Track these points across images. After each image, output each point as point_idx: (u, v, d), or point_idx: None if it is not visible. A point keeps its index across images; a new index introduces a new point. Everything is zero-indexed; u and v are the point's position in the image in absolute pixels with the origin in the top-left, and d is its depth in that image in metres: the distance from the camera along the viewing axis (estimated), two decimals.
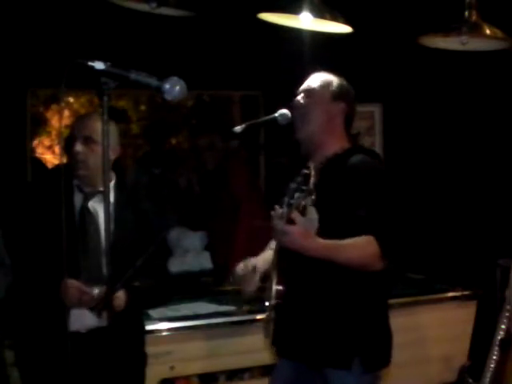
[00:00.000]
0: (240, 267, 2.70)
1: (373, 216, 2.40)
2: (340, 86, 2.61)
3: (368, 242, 2.38)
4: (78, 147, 2.57)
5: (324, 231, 2.40)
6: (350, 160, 2.50)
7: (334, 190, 2.45)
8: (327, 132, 2.57)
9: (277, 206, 2.39)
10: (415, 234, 4.58)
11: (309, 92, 2.61)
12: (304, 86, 2.64)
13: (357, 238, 2.38)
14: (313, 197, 2.23)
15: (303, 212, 2.32)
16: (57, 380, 2.51)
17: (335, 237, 2.39)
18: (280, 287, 2.43)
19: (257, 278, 2.65)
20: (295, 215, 2.31)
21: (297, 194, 2.24)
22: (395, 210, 2.48)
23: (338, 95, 2.59)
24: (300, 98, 2.62)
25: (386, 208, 2.44)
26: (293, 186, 2.27)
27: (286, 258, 2.45)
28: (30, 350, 2.61)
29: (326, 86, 2.60)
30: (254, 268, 2.66)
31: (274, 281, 2.46)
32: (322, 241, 2.38)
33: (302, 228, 2.33)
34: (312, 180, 2.22)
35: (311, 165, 2.54)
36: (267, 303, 2.54)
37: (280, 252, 2.47)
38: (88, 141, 2.57)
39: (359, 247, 2.39)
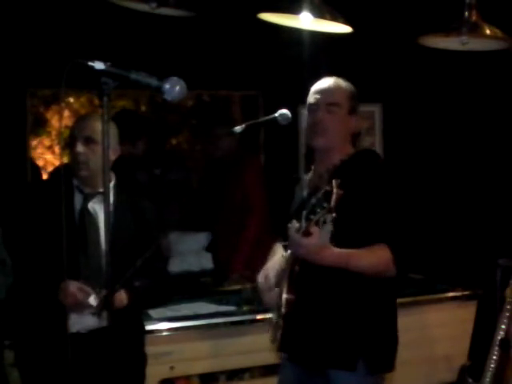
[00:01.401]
0: (262, 280, 2.65)
1: (387, 224, 2.42)
2: (354, 99, 2.60)
3: (382, 250, 2.40)
4: (79, 148, 2.57)
5: (338, 238, 2.39)
6: (363, 167, 2.52)
7: (347, 197, 2.44)
8: (340, 141, 2.58)
9: (294, 220, 2.39)
10: (415, 234, 4.57)
11: (333, 107, 2.56)
12: (323, 96, 2.57)
13: (371, 247, 2.40)
14: (333, 215, 2.22)
15: (322, 226, 2.31)
16: (57, 380, 2.51)
17: (349, 244, 2.40)
18: (290, 296, 2.43)
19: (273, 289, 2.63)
20: (313, 228, 2.30)
21: (318, 210, 2.24)
22: (407, 217, 2.49)
23: (354, 109, 2.60)
24: (322, 113, 2.55)
25: (399, 216, 2.46)
26: (313, 201, 2.27)
27: (298, 267, 2.45)
28: (30, 350, 2.61)
29: (346, 101, 2.58)
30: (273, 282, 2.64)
31: (284, 289, 2.45)
32: (337, 250, 2.37)
33: (319, 240, 2.32)
34: (334, 197, 2.21)
35: (323, 171, 2.53)
36: (276, 311, 2.53)
37: (291, 261, 2.47)
38: (88, 141, 2.57)
39: (373, 256, 2.41)
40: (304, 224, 2.29)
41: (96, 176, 2.57)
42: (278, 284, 2.54)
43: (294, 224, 2.36)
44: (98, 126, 2.46)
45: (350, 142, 2.63)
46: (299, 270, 2.44)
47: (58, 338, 2.41)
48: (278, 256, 2.68)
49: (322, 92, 2.58)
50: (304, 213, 2.29)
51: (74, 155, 2.60)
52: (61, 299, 2.46)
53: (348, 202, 2.36)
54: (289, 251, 2.48)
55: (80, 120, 2.72)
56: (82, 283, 2.48)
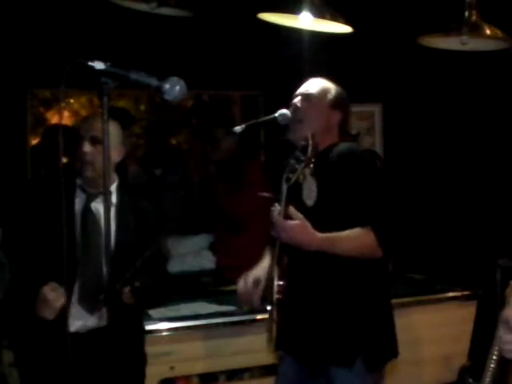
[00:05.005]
0: (241, 285, 2.70)
1: (368, 206, 2.43)
2: (337, 95, 2.63)
3: (364, 232, 2.40)
4: (86, 147, 2.55)
5: (321, 225, 2.41)
6: (344, 153, 2.53)
7: (326, 182, 2.48)
8: (321, 136, 2.58)
9: (276, 204, 2.41)
10: (415, 234, 4.58)
11: (307, 96, 2.61)
12: (302, 89, 2.64)
13: (353, 230, 2.40)
14: (311, 165, 2.26)
15: (303, 182, 2.36)
16: (56, 380, 2.51)
17: (332, 228, 2.41)
18: (281, 282, 2.43)
19: (259, 291, 2.64)
20: (292, 211, 2.34)
21: (296, 166, 2.29)
22: (390, 199, 2.50)
23: (335, 104, 2.62)
24: (298, 101, 2.62)
25: (380, 198, 2.47)
26: (291, 161, 2.30)
27: (287, 254, 2.46)
28: (30, 350, 2.61)
29: (325, 93, 2.61)
30: (256, 281, 2.65)
31: (276, 277, 2.46)
32: (319, 235, 2.39)
33: (300, 223, 2.36)
34: (309, 149, 2.26)
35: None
36: (269, 307, 2.53)
37: (280, 248, 2.47)
38: (95, 141, 2.55)
39: (356, 238, 2.41)
40: (283, 205, 2.31)
41: (101, 176, 2.56)
42: (270, 276, 2.54)
43: (277, 207, 2.38)
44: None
45: (337, 134, 2.64)
46: (289, 257, 2.45)
47: (58, 337, 2.41)
48: (266, 263, 2.68)
49: (302, 87, 2.65)
50: (284, 176, 2.31)
51: (80, 155, 2.58)
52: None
53: (330, 188, 2.42)
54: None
55: (86, 120, 2.72)
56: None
